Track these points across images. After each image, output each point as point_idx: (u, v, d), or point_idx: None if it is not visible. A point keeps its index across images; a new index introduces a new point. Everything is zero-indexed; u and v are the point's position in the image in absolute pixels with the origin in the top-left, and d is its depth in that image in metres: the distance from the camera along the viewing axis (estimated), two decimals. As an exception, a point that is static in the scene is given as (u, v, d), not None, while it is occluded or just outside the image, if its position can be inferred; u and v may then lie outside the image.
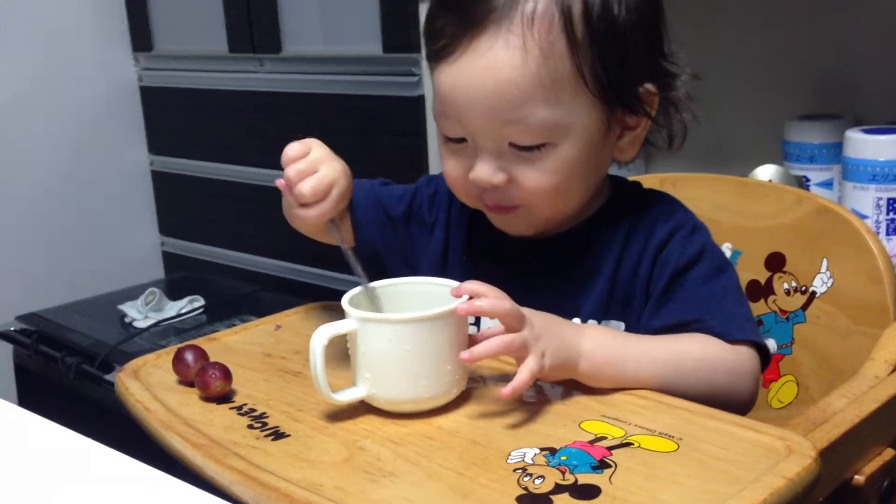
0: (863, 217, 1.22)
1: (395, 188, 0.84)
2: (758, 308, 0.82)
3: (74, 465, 0.58)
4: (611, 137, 0.73)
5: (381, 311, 0.70)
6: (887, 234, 1.22)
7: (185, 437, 0.63)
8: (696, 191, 0.87)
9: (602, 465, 0.56)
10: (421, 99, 1.60)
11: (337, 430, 0.63)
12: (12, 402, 0.66)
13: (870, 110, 1.40)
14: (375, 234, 0.82)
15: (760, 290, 0.81)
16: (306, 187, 0.72)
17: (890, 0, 1.33)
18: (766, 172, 1.31)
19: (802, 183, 1.33)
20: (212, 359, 0.72)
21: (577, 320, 0.73)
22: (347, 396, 0.65)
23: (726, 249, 0.84)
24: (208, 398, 0.68)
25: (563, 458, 0.57)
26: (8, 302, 1.85)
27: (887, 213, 1.22)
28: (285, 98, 1.93)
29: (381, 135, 1.72)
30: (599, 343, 0.66)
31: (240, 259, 2.09)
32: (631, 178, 0.82)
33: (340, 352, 0.67)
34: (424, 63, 0.76)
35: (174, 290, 1.85)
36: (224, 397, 0.68)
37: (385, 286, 0.71)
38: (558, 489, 0.53)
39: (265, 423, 0.64)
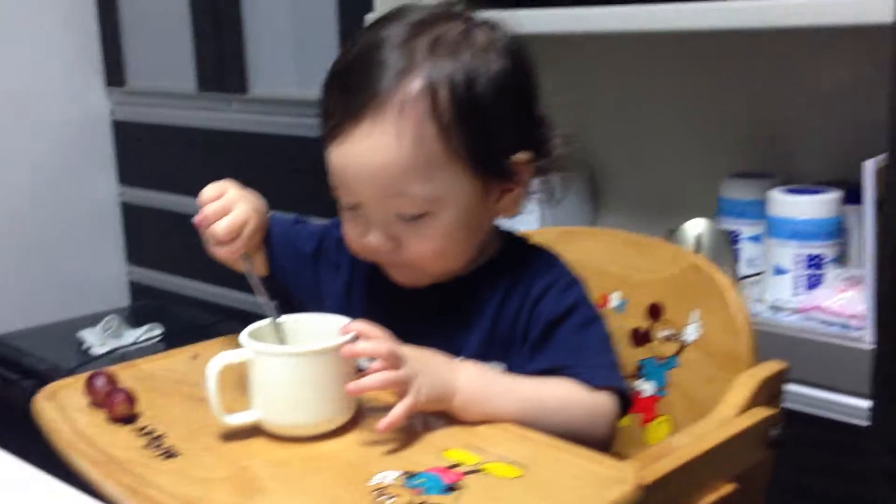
0: (784, 272, 1.30)
1: (309, 226, 0.91)
2: (640, 353, 0.89)
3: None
4: (489, 201, 0.80)
5: (285, 342, 0.76)
6: (806, 288, 1.30)
7: (86, 455, 0.69)
8: (590, 243, 0.94)
9: (453, 489, 0.62)
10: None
11: (226, 450, 0.70)
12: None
13: (799, 170, 1.48)
14: (287, 268, 0.88)
15: (642, 337, 0.89)
16: (221, 227, 0.79)
17: (817, 69, 1.42)
18: (694, 226, 1.39)
19: (728, 238, 1.40)
20: (126, 384, 0.78)
21: (460, 359, 0.80)
22: (239, 419, 0.72)
23: (615, 298, 0.91)
24: (114, 420, 0.75)
25: (420, 480, 0.63)
26: (-29, 325, 1.91)
27: (807, 268, 1.30)
28: (251, 137, 2.00)
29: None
30: (472, 380, 0.73)
31: (205, 290, 2.15)
32: (526, 232, 0.90)
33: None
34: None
35: (136, 318, 1.91)
36: (129, 419, 0.75)
37: (290, 320, 0.77)
38: (409, 507, 0.60)
39: (161, 444, 0.70)
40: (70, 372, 1.62)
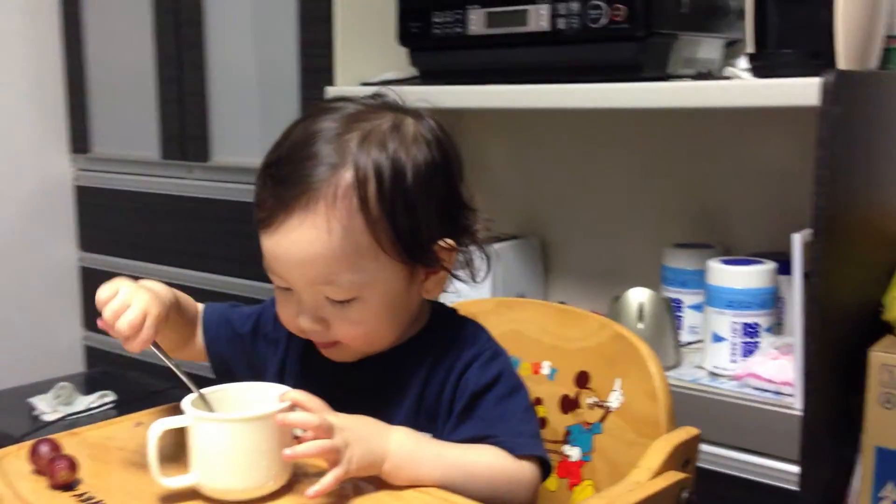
0: (722, 339, 1.34)
1: (244, 309, 0.95)
2: (568, 419, 0.92)
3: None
4: (415, 283, 0.83)
5: (225, 409, 0.79)
6: (742, 355, 1.34)
7: (24, 520, 0.71)
8: (525, 314, 0.98)
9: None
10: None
11: (163, 514, 0.72)
12: None
13: (737, 241, 1.55)
14: (225, 349, 0.92)
15: (570, 404, 0.92)
16: (123, 324, 0.81)
17: (755, 149, 1.50)
18: (638, 294, 1.44)
19: (670, 305, 1.45)
20: (68, 451, 0.80)
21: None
22: (177, 483, 0.74)
23: (546, 366, 0.95)
24: (56, 486, 0.77)
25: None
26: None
27: (742, 336, 1.35)
28: (213, 204, 2.04)
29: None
30: (402, 445, 0.76)
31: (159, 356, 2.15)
32: (465, 302, 0.94)
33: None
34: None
35: (89, 385, 1.92)
36: (70, 486, 0.77)
37: (217, 390, 0.80)
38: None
39: (99, 509, 0.72)
40: (19, 439, 1.62)
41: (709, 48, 1.43)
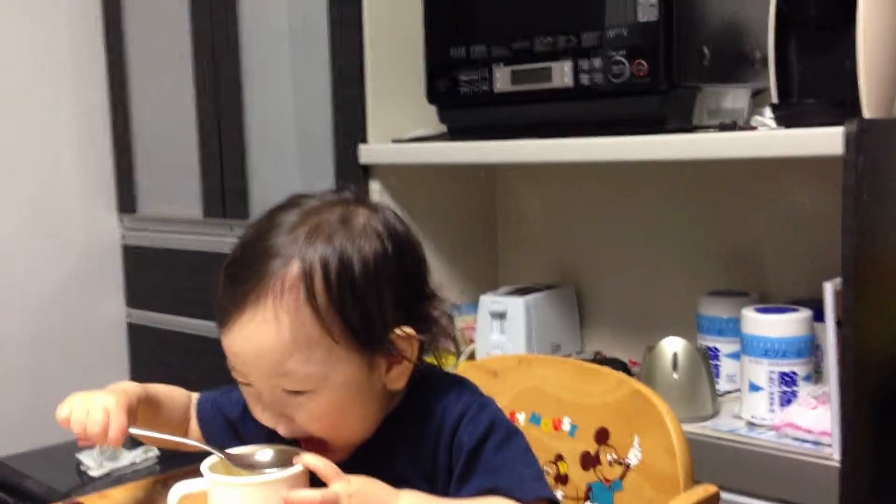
0: (759, 389, 1.32)
1: (235, 393, 0.93)
2: (588, 476, 0.92)
3: None
4: (377, 373, 0.82)
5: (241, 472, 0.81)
6: (781, 404, 1.32)
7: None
8: (545, 371, 0.98)
9: None
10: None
11: (181, 577, 0.73)
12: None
13: (774, 288, 1.53)
14: (223, 438, 0.92)
15: (591, 461, 0.92)
16: (93, 430, 0.82)
17: (787, 196, 1.49)
18: (671, 344, 1.43)
19: (706, 354, 1.43)
20: (96, 512, 0.83)
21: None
22: (196, 545, 0.76)
23: (567, 423, 0.95)
24: (81, 547, 0.79)
25: None
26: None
27: (780, 385, 1.32)
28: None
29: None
30: (413, 504, 0.77)
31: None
32: (488, 358, 0.95)
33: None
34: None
35: (134, 441, 1.94)
36: (94, 547, 0.79)
37: (241, 452, 0.82)
38: None
39: (119, 571, 0.74)
40: (66, 494, 1.65)
41: (735, 98, 1.43)
